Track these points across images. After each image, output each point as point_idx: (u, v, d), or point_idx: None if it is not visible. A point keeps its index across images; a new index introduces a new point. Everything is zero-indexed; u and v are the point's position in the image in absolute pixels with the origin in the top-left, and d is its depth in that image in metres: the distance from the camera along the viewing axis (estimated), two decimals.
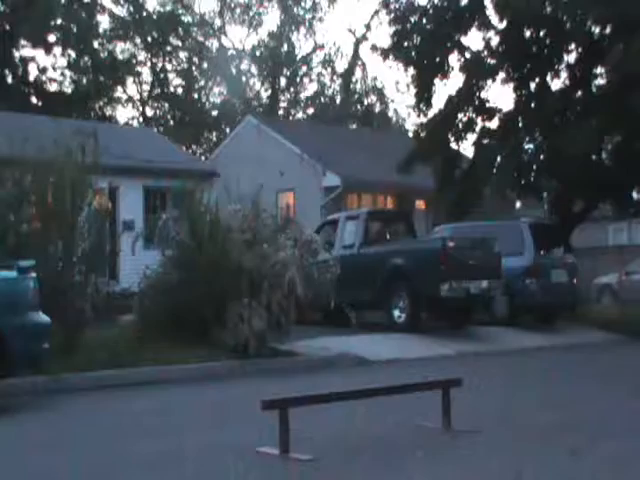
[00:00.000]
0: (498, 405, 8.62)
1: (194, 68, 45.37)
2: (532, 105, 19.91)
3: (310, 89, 49.47)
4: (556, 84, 20.01)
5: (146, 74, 44.41)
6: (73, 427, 7.86)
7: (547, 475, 5.54)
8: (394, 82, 64.71)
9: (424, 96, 20.75)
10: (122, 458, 6.26)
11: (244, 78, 47.48)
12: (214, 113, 46.09)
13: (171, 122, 44.50)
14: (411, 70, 20.57)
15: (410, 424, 7.24)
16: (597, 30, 19.14)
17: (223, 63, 45.17)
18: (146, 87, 44.88)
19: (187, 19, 44.99)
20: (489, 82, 20.11)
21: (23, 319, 8.80)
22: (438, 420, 7.00)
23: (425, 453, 6.14)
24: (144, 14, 42.40)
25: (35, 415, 8.65)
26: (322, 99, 48.46)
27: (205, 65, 45.51)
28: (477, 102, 20.37)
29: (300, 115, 48.28)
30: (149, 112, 45.06)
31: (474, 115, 20.50)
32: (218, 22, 47.29)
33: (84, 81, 39.06)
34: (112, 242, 13.87)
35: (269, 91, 47.75)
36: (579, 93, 19.85)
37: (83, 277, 11.44)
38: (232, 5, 47.44)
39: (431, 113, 21.15)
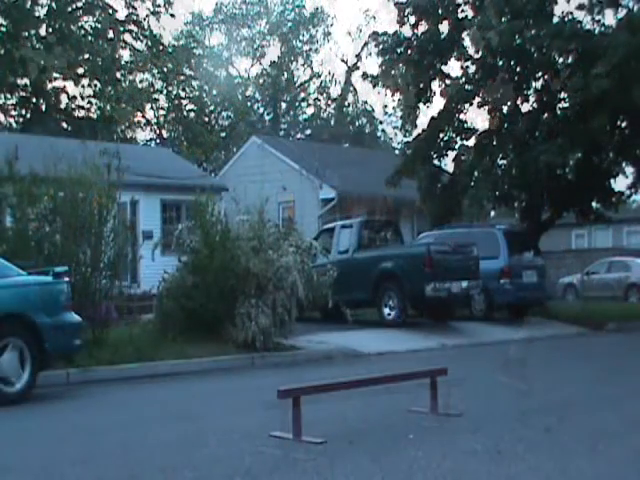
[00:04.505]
0: (480, 391, 8.62)
1: (205, 95, 45.41)
2: (505, 126, 19.95)
3: (308, 112, 49.58)
4: (525, 107, 20.09)
5: (162, 100, 44.43)
6: (105, 414, 7.85)
7: (524, 450, 5.55)
8: (382, 106, 64.94)
9: (409, 118, 20.80)
10: (150, 440, 6.26)
11: (249, 103, 47.56)
12: (222, 134, 46.09)
13: (184, 142, 44.48)
14: (397, 95, 20.59)
15: (402, 409, 7.24)
16: (560, 60, 19.21)
17: (230, 90, 45.22)
18: (162, 112, 44.90)
19: (199, 52, 45.06)
20: (467, 105, 20.15)
21: (58, 318, 8.83)
22: (426, 405, 7.01)
23: (416, 435, 6.15)
24: (161, 48, 42.44)
25: (70, 403, 8.66)
26: (318, 121, 48.52)
27: (214, 92, 45.55)
28: (456, 123, 20.38)
29: (299, 135, 48.31)
30: (165, 134, 45.06)
31: (454, 135, 20.52)
32: (226, 54, 47.43)
33: (108, 107, 39.01)
34: (133, 250, 13.82)
35: (271, 114, 47.81)
36: (546, 115, 19.90)
37: (109, 281, 11.45)
38: (238, 39, 47.59)
39: (415, 133, 21.21)
